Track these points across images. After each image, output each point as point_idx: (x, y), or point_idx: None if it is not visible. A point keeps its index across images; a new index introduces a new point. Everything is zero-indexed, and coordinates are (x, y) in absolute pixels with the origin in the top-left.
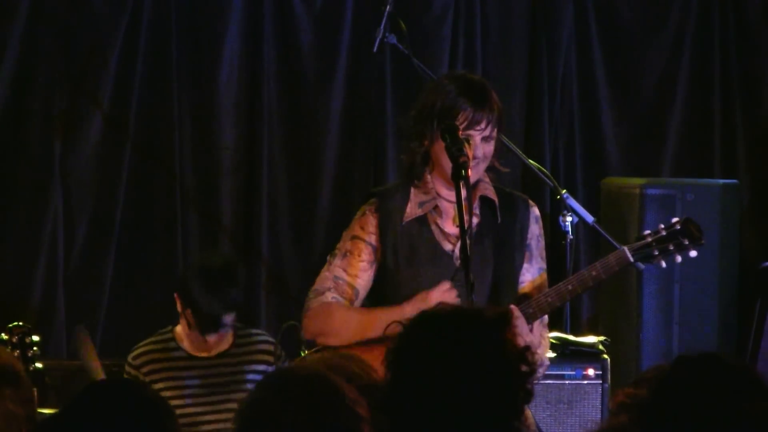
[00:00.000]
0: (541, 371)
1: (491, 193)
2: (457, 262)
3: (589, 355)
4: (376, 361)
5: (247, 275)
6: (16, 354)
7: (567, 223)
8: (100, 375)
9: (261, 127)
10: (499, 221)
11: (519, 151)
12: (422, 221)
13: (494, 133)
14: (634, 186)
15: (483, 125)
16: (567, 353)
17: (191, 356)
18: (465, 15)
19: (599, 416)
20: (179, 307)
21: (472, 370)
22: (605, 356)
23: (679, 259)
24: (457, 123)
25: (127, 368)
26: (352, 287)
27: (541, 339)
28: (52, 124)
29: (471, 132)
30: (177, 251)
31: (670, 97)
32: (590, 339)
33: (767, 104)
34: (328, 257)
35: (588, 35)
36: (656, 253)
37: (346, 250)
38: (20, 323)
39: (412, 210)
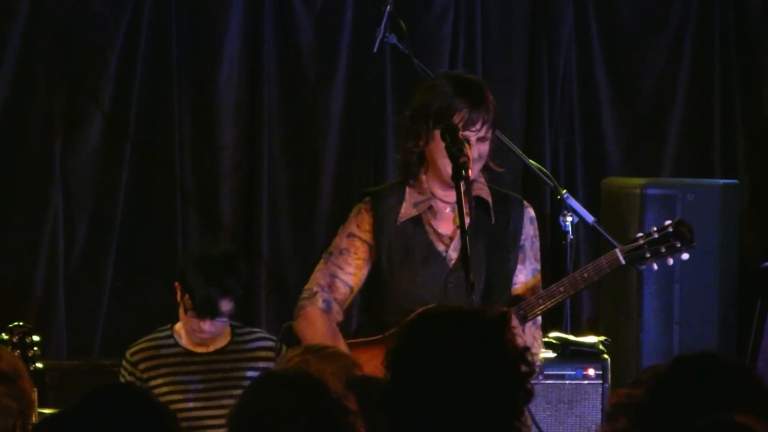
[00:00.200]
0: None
1: (485, 194)
2: (451, 263)
3: (589, 355)
4: (368, 361)
5: (247, 274)
6: (16, 354)
7: (567, 223)
8: None
9: (261, 127)
10: (493, 222)
11: (519, 151)
12: (416, 221)
13: (489, 134)
14: (635, 186)
15: (478, 126)
16: (567, 353)
17: (189, 352)
18: (465, 15)
19: (599, 416)
20: (178, 296)
21: (472, 369)
22: (605, 356)
23: (671, 261)
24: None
25: (124, 364)
26: (347, 285)
27: (534, 341)
28: (52, 124)
29: (466, 133)
30: (177, 251)
31: (670, 97)
32: (590, 339)
33: (767, 104)
34: (323, 255)
35: (588, 35)
36: (648, 255)
37: (342, 248)
38: (20, 323)
39: (406, 210)
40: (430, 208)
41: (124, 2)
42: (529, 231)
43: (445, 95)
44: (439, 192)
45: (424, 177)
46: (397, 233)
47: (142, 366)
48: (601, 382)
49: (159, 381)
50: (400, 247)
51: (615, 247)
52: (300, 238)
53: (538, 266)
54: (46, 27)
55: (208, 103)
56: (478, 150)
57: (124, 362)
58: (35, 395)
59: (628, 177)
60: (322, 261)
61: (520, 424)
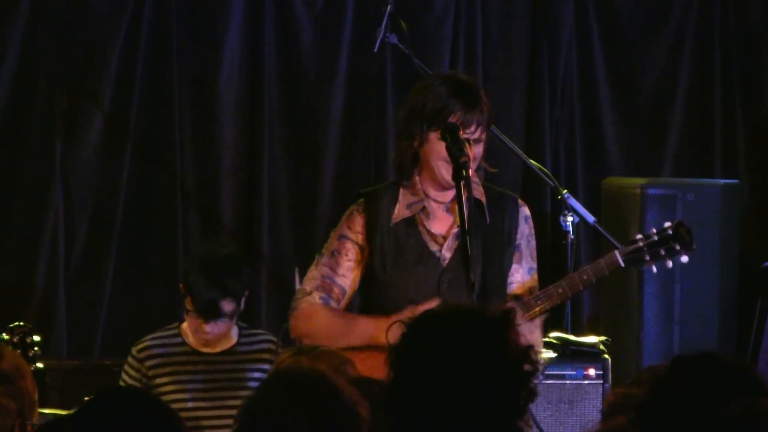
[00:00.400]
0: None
1: (479, 194)
2: (444, 263)
3: (589, 354)
4: (363, 360)
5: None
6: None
7: (568, 223)
8: None
9: (261, 126)
10: (488, 221)
11: (520, 151)
12: (410, 222)
13: (483, 136)
14: (635, 186)
15: (473, 128)
16: (568, 353)
17: (195, 351)
18: (466, 15)
19: (600, 416)
20: (182, 297)
21: (474, 369)
22: (606, 356)
23: (670, 264)
24: None
25: (130, 360)
26: (340, 287)
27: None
28: (52, 124)
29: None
30: (177, 251)
31: (670, 97)
32: (591, 339)
33: (767, 104)
34: (316, 256)
35: (588, 35)
36: (647, 258)
37: (334, 250)
38: (21, 323)
39: (400, 211)
40: (423, 209)
41: (124, 2)
42: (525, 230)
43: (439, 97)
44: (432, 192)
45: (417, 178)
46: (390, 234)
47: (149, 363)
48: (601, 382)
49: (165, 380)
50: (393, 248)
51: (615, 246)
52: (300, 237)
53: (535, 265)
54: (46, 27)
55: (208, 102)
56: (472, 151)
57: (129, 359)
58: (36, 395)
59: (628, 177)
60: (314, 263)
61: (523, 424)
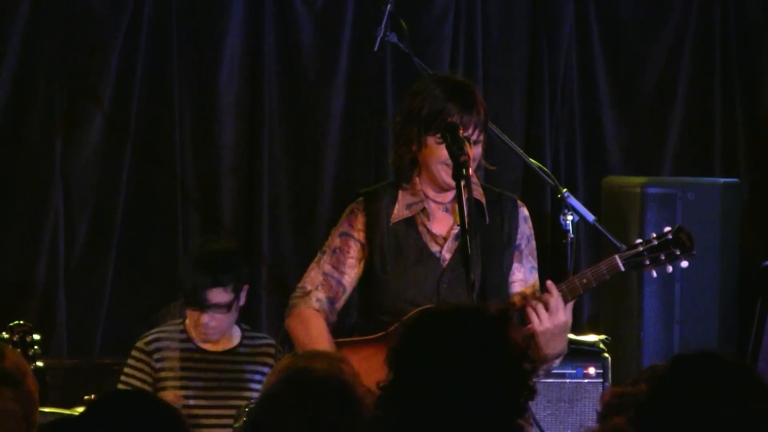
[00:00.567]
0: (557, 361)
1: (479, 194)
2: (444, 264)
3: (590, 353)
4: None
5: (249, 271)
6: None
7: (568, 222)
8: None
9: (262, 126)
10: (488, 222)
11: (520, 151)
12: (409, 222)
13: (481, 137)
14: (635, 185)
15: (471, 130)
16: (568, 352)
17: (200, 349)
18: (466, 14)
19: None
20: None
21: (474, 368)
22: (606, 355)
23: (669, 269)
24: None
25: (136, 354)
26: (340, 284)
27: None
28: (52, 124)
29: None
30: (178, 251)
31: (670, 97)
32: (591, 338)
33: (767, 103)
34: (318, 254)
35: (589, 35)
36: (647, 262)
37: (335, 247)
38: (21, 322)
39: (399, 211)
40: (423, 210)
41: (124, 2)
42: (525, 230)
43: (435, 100)
44: (432, 194)
45: (417, 179)
46: (389, 234)
47: (156, 356)
48: (601, 380)
49: (170, 374)
50: (393, 248)
51: (616, 245)
52: (300, 237)
53: (535, 264)
54: (46, 27)
55: (208, 102)
56: (472, 152)
57: (135, 352)
58: (37, 395)
59: (628, 176)
60: (315, 260)
61: (523, 422)
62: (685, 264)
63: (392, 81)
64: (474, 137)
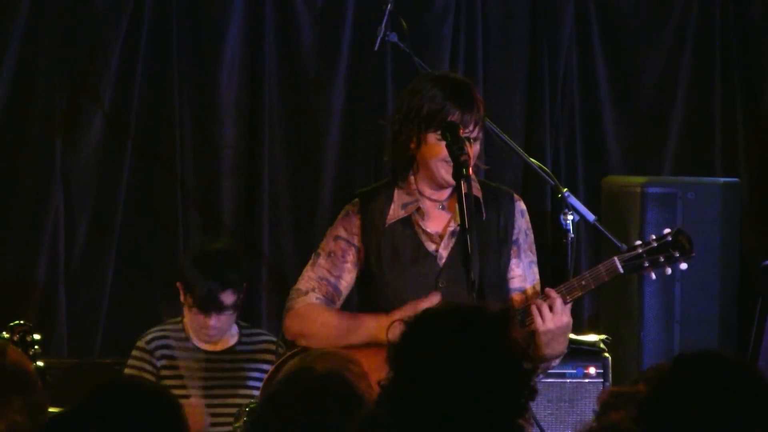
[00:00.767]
0: (556, 362)
1: (476, 190)
2: (441, 262)
3: (590, 353)
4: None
5: (248, 269)
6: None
7: (568, 222)
8: None
9: (262, 126)
10: (484, 218)
11: (520, 150)
12: (405, 222)
13: (480, 134)
14: (635, 185)
15: (471, 127)
16: (568, 352)
17: (198, 348)
18: (466, 14)
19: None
20: (181, 296)
21: (475, 367)
22: (606, 355)
23: (669, 271)
24: None
25: (137, 353)
26: (336, 288)
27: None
28: (52, 124)
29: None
30: (177, 251)
31: (671, 96)
32: (591, 337)
33: None
34: (312, 256)
35: (589, 34)
36: (646, 264)
37: (330, 251)
38: (21, 321)
39: (395, 212)
40: (419, 209)
41: (124, 2)
42: (522, 225)
43: (434, 99)
44: (428, 192)
45: (412, 178)
46: (385, 235)
47: (158, 353)
48: (602, 380)
49: (170, 372)
50: (389, 249)
51: (616, 245)
52: (300, 237)
53: (535, 258)
54: (46, 27)
55: (208, 102)
56: (472, 150)
57: (137, 351)
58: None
59: (628, 175)
60: (310, 262)
61: (524, 422)
62: (684, 266)
63: (392, 81)
64: (474, 134)
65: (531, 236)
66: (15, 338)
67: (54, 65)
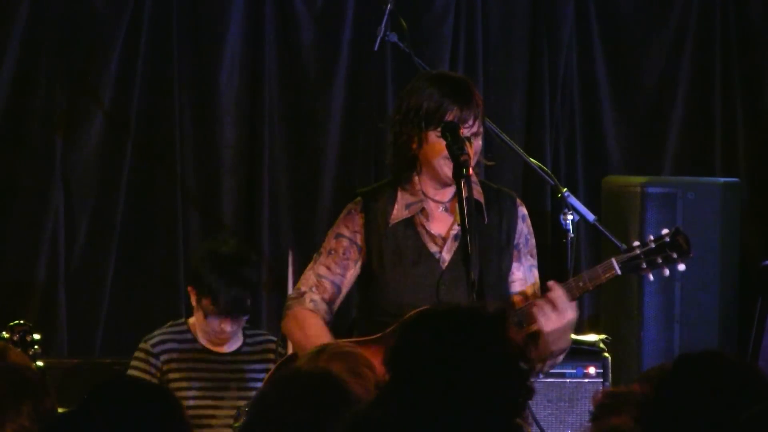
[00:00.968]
0: (561, 357)
1: (477, 193)
2: (443, 265)
3: (590, 353)
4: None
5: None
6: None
7: (568, 222)
8: None
9: (262, 126)
10: (486, 221)
11: (520, 150)
12: (408, 223)
13: (480, 129)
14: (635, 184)
15: (470, 122)
16: (568, 351)
17: (207, 350)
18: (466, 14)
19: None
20: (194, 300)
21: (472, 368)
22: (606, 354)
23: (666, 272)
24: None
25: (141, 355)
26: (335, 285)
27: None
28: (52, 124)
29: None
30: (178, 250)
31: (671, 96)
32: (591, 337)
33: None
34: (314, 255)
35: (589, 35)
36: (644, 265)
37: (331, 248)
38: (21, 321)
39: (398, 212)
40: (422, 209)
41: (124, 2)
42: (523, 229)
43: (432, 97)
44: (431, 192)
45: (416, 178)
46: (388, 235)
47: (164, 357)
48: (601, 380)
49: (177, 375)
50: (392, 249)
51: (616, 245)
52: (301, 237)
53: (535, 262)
54: (46, 27)
55: (208, 102)
56: (472, 147)
57: (141, 353)
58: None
59: (628, 175)
60: (312, 261)
61: (522, 422)
62: (682, 267)
63: (392, 81)
64: (474, 129)
65: (532, 241)
66: (15, 338)
67: (54, 65)
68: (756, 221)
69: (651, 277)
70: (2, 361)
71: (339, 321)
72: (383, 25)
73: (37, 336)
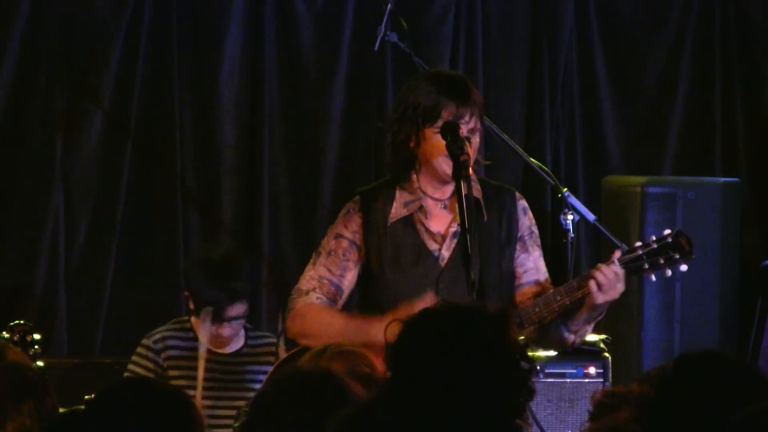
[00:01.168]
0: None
1: (476, 191)
2: (443, 263)
3: (590, 353)
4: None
5: (251, 271)
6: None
7: (568, 222)
8: None
9: (262, 126)
10: (485, 219)
11: (520, 150)
12: (407, 222)
13: (478, 125)
14: (635, 184)
15: (467, 118)
16: (568, 351)
17: (208, 350)
18: (466, 14)
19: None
20: (191, 304)
21: (473, 368)
22: (606, 354)
23: (669, 273)
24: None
25: (143, 351)
26: (336, 286)
27: None
28: (52, 124)
29: None
30: (178, 251)
31: (671, 96)
32: (591, 337)
33: None
34: (312, 255)
35: (589, 34)
36: (646, 266)
37: (330, 249)
38: (21, 321)
39: (397, 210)
40: (421, 207)
41: (124, 2)
42: (525, 222)
43: (429, 95)
44: (430, 190)
45: (415, 176)
46: (387, 234)
47: (164, 354)
48: (602, 380)
49: (176, 373)
50: (391, 248)
51: (616, 245)
52: (300, 237)
53: (541, 252)
54: (46, 27)
55: (208, 102)
56: (472, 145)
57: (143, 350)
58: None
59: (628, 175)
60: (311, 261)
61: (522, 423)
62: (684, 268)
63: (392, 81)
64: (471, 125)
65: (536, 231)
66: (15, 338)
67: (54, 65)
68: (756, 221)
69: (653, 278)
70: (1, 360)
71: None
72: (383, 25)
73: (37, 336)
